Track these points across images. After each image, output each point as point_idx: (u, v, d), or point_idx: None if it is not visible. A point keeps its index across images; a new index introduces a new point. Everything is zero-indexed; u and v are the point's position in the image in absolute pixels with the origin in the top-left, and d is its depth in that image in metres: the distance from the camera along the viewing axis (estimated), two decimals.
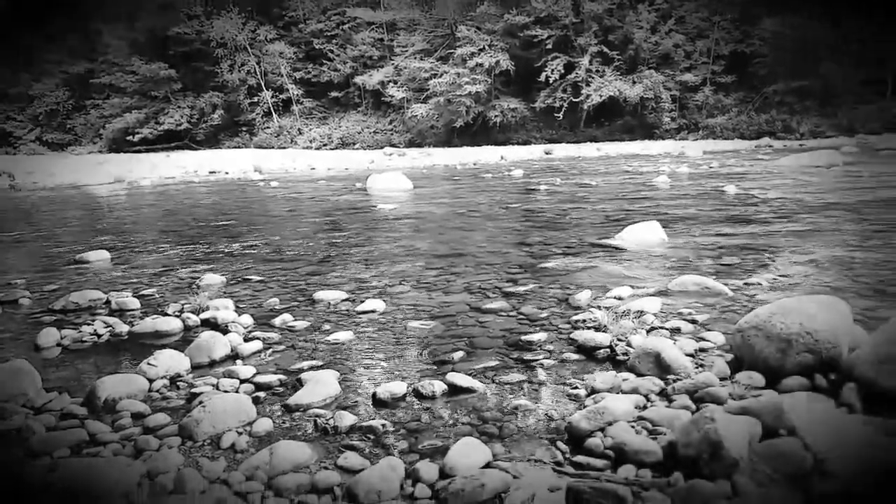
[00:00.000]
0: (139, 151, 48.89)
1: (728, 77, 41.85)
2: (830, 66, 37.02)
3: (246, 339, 4.32)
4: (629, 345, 3.74)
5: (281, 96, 51.79)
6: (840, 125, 36.66)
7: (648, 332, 4.01)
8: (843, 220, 8.25)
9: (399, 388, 3.33)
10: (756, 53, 41.08)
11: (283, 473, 2.59)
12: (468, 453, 2.63)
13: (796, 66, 38.05)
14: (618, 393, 3.17)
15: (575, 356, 3.76)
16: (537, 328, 4.30)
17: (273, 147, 49.10)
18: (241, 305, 5.23)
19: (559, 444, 2.75)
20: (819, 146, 25.46)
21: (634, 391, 3.17)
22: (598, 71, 42.17)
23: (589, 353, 3.78)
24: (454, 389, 3.34)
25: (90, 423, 3.13)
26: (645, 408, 2.98)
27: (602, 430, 2.76)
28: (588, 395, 3.21)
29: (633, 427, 2.76)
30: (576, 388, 3.31)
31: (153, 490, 2.50)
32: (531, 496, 2.39)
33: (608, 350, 3.76)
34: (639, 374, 3.38)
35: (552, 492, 2.41)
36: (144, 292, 5.81)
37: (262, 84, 50.98)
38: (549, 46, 42.54)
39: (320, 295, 5.35)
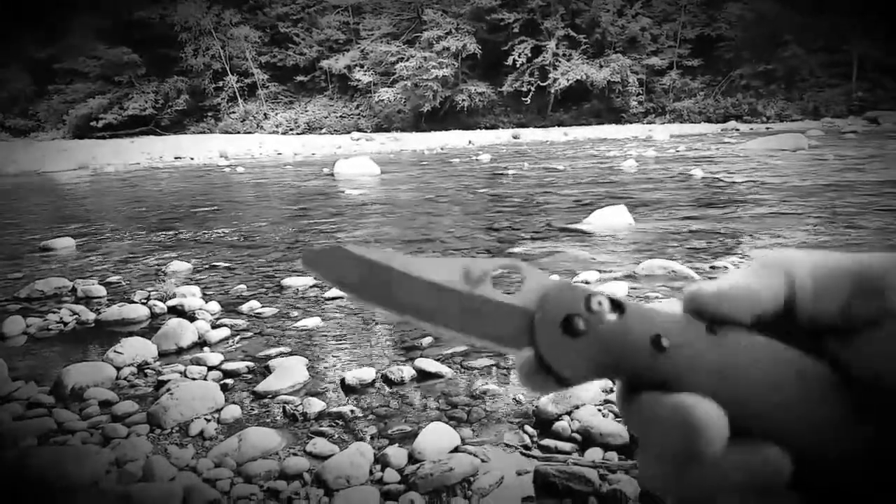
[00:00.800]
0: (103, 137, 47.72)
1: (695, 60, 42.34)
2: (795, 50, 37.65)
3: (213, 327, 4.28)
4: None
5: (246, 81, 50.95)
6: (806, 108, 37.38)
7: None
8: (809, 204, 8.45)
9: (368, 374, 3.35)
10: (722, 37, 41.62)
11: (251, 460, 2.59)
12: (437, 438, 2.65)
13: (762, 50, 38.66)
14: None
15: None
16: None
17: (239, 132, 48.36)
18: (209, 292, 5.17)
19: (527, 427, 2.80)
20: (785, 129, 25.94)
21: None
22: (565, 55, 42.33)
23: None
24: (423, 375, 3.37)
25: (58, 411, 3.10)
26: (611, 391, 3.03)
27: (569, 413, 2.81)
28: None
29: (599, 410, 2.81)
30: None
31: (122, 478, 2.49)
32: (499, 480, 2.42)
33: None
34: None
35: (520, 475, 2.45)
36: (110, 280, 5.72)
37: (227, 68, 50.07)
38: (516, 30, 42.54)
39: (288, 281, 5.32)
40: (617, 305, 0.41)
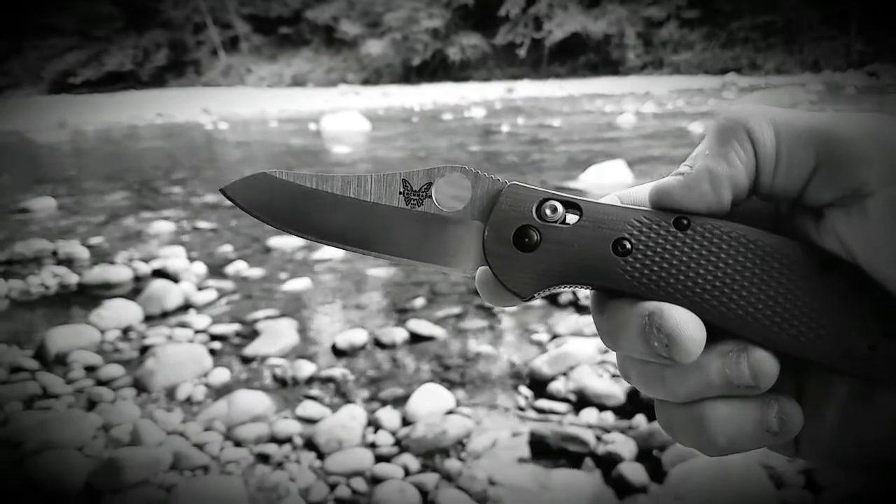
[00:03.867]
0: (82, 93, 46.77)
1: (693, 12, 41.61)
2: (794, 2, 37.13)
3: (199, 289, 4.19)
4: None
5: (228, 33, 49.81)
6: (805, 62, 37.02)
7: None
8: None
9: (359, 336, 3.29)
10: None
11: (241, 424, 2.55)
12: (430, 400, 2.62)
13: (761, 2, 38.09)
14: (580, 337, 3.18)
15: (537, 302, 3.76)
16: None
17: (221, 86, 47.48)
18: (193, 253, 5.07)
19: (522, 389, 2.76)
20: (784, 83, 25.68)
21: (597, 335, 3.17)
22: (560, 5, 41.50)
23: (551, 298, 3.78)
24: (416, 337, 3.31)
25: (42, 375, 3.04)
26: (607, 351, 3.00)
27: (565, 374, 2.77)
28: (550, 340, 3.21)
29: (595, 371, 2.77)
30: (538, 333, 3.31)
31: (109, 442, 2.45)
32: (493, 441, 2.39)
33: (571, 295, 3.76)
34: None
35: (515, 436, 2.42)
36: (92, 241, 5.60)
37: (209, 20, 48.88)
38: None
39: (275, 242, 5.22)
40: (574, 207, 0.38)
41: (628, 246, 0.36)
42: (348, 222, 0.41)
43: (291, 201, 0.42)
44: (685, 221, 0.36)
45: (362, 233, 0.41)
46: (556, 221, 0.38)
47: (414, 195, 0.41)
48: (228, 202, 0.43)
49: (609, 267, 0.37)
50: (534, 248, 0.38)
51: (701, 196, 0.36)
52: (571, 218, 0.38)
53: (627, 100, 23.68)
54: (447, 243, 0.40)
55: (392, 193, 0.41)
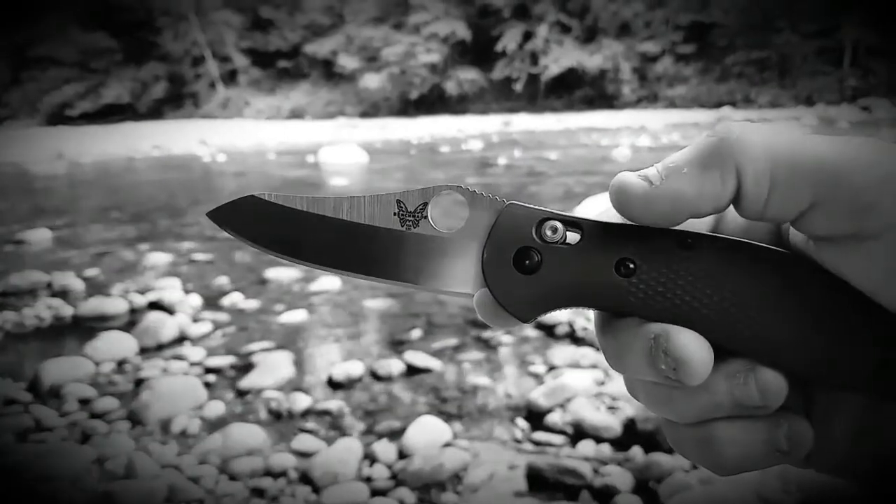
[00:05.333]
0: (80, 125, 47.03)
1: (688, 47, 42.23)
2: (789, 36, 37.74)
3: (194, 321, 4.18)
4: (588, 320, 3.75)
5: (227, 66, 50.34)
6: (798, 96, 37.49)
7: None
8: None
9: (355, 368, 3.27)
10: (716, 23, 41.56)
11: (236, 457, 2.52)
12: (427, 433, 2.60)
13: (755, 37, 38.71)
14: (577, 369, 3.18)
15: (534, 333, 3.75)
16: None
17: (219, 118, 47.81)
18: (189, 285, 5.06)
19: (519, 421, 2.74)
20: (778, 117, 25.92)
21: (594, 367, 3.17)
22: (556, 41, 42.11)
23: (548, 330, 3.78)
24: (412, 369, 3.30)
25: (36, 408, 3.01)
26: (604, 383, 2.99)
27: (561, 406, 2.75)
28: (548, 372, 3.20)
29: (592, 403, 2.76)
30: (535, 364, 3.30)
31: (103, 475, 2.42)
32: (490, 475, 2.38)
33: (567, 327, 3.76)
34: (598, 350, 3.39)
35: (511, 469, 2.40)
36: (88, 273, 5.59)
37: (208, 54, 49.45)
38: (507, 15, 42.25)
39: (271, 274, 5.22)
40: (575, 226, 0.37)
41: (632, 266, 0.35)
42: (341, 245, 0.39)
43: (281, 225, 0.40)
44: (689, 240, 0.35)
45: (356, 256, 0.39)
46: (556, 242, 0.37)
47: (409, 216, 0.39)
48: (225, 234, 0.42)
49: (612, 288, 0.35)
50: (534, 271, 0.36)
51: (659, 215, 0.34)
52: (572, 237, 0.37)
53: (623, 133, 23.91)
54: (444, 266, 0.38)
55: (386, 215, 0.39)
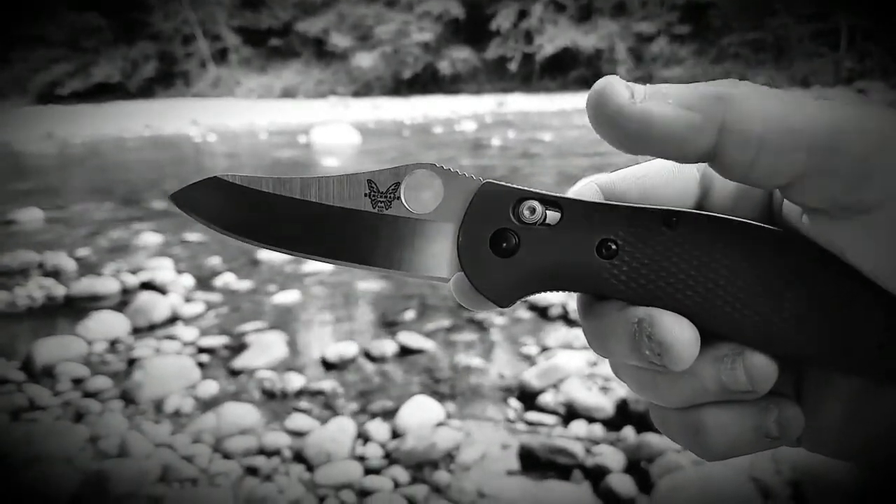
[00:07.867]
0: (70, 104, 46.52)
1: (684, 28, 41.99)
2: (785, 19, 37.60)
3: (187, 301, 4.17)
4: None
5: (218, 45, 49.78)
6: (794, 78, 37.42)
7: None
8: None
9: (349, 349, 3.28)
10: (712, 4, 41.32)
11: (230, 436, 2.53)
12: (420, 413, 2.61)
13: (751, 18, 38.55)
14: (569, 350, 3.19)
15: (527, 315, 3.77)
16: None
17: (210, 97, 47.36)
18: (181, 265, 5.05)
19: (511, 401, 2.76)
20: None
21: (586, 348, 3.19)
22: (551, 20, 41.78)
23: (541, 311, 3.79)
24: (405, 350, 3.31)
25: (29, 387, 3.02)
26: (596, 364, 3.01)
27: (554, 386, 2.77)
28: (540, 353, 3.22)
29: (584, 384, 2.78)
30: (528, 346, 3.32)
31: (97, 454, 2.43)
32: (483, 454, 2.40)
33: (560, 308, 3.77)
34: None
35: (504, 449, 2.42)
36: (79, 253, 5.56)
37: (198, 32, 48.87)
38: None
39: (264, 255, 5.20)
40: (554, 205, 0.35)
41: (614, 247, 0.34)
42: (310, 229, 0.38)
43: (246, 207, 0.38)
44: (674, 218, 0.34)
45: (325, 240, 0.38)
46: (535, 223, 0.35)
47: (381, 197, 0.37)
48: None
49: (594, 271, 0.34)
50: (512, 253, 0.35)
51: (622, 134, 0.31)
52: (552, 216, 0.35)
53: None
54: (418, 249, 0.37)
55: (357, 195, 0.37)
